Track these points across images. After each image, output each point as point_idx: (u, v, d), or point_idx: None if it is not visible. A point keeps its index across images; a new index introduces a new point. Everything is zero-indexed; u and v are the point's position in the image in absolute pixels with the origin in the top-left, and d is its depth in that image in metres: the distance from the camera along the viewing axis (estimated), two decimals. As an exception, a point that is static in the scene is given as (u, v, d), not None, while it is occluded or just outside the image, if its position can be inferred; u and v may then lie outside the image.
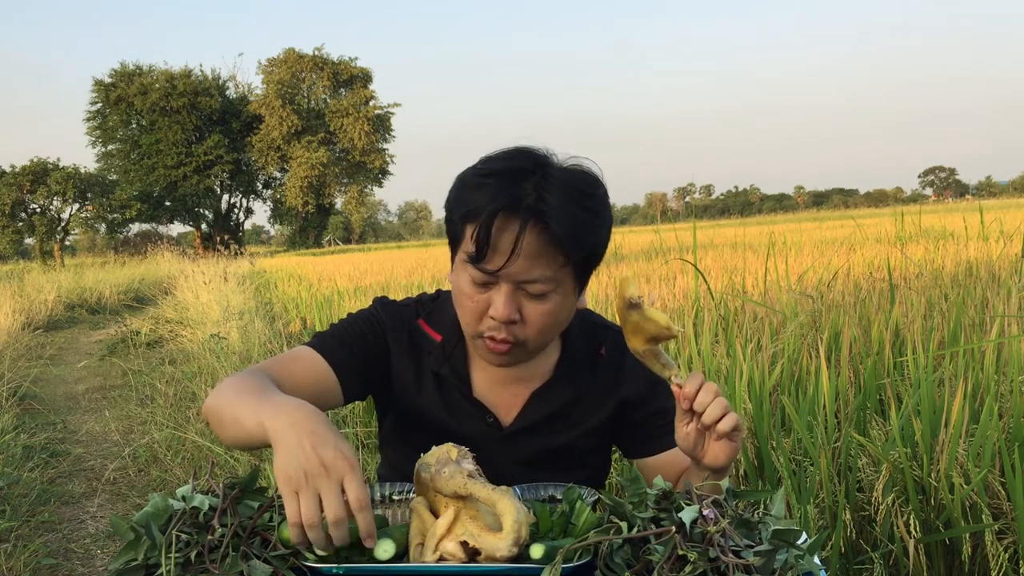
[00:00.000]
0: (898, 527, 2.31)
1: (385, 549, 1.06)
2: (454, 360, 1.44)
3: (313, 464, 1.01)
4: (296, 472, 1.01)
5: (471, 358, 1.45)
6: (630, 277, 1.21)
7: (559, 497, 1.24)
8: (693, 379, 1.20)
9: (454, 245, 1.33)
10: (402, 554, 1.09)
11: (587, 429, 1.47)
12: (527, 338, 1.31)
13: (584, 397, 1.46)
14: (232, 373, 1.35)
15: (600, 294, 5.85)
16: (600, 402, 1.47)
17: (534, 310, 1.29)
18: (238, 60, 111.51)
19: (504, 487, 1.09)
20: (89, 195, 46.89)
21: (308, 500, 1.00)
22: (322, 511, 1.00)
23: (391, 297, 1.54)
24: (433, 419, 1.45)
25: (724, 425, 1.19)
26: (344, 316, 1.50)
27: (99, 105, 53.66)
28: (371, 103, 56.98)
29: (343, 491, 1.01)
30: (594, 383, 1.47)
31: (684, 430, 1.24)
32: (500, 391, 1.45)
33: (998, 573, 2.18)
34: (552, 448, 1.45)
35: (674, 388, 1.21)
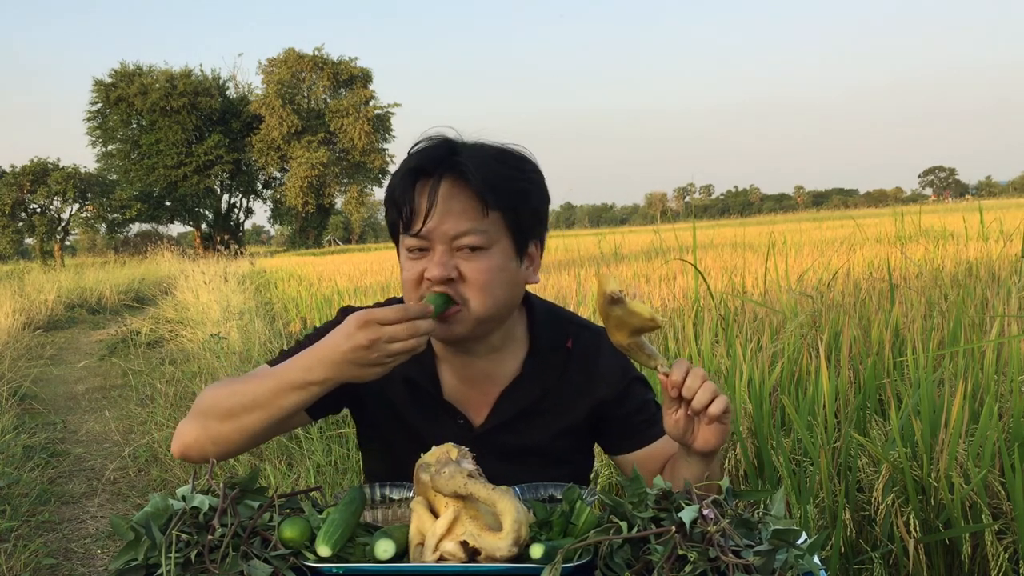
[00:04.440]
0: (898, 527, 2.31)
1: (385, 549, 1.07)
2: (424, 362, 1.42)
3: (362, 344, 1.15)
4: (368, 354, 1.16)
5: (439, 359, 1.44)
6: (608, 273, 1.21)
7: (559, 497, 1.24)
8: (679, 366, 1.20)
9: (396, 241, 1.36)
10: (402, 554, 1.09)
11: (561, 430, 1.45)
12: (470, 298, 1.29)
13: (554, 394, 1.44)
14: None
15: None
16: (573, 402, 1.45)
17: (473, 268, 1.28)
18: (238, 60, 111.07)
19: (504, 487, 1.09)
20: (89, 195, 46.88)
21: (392, 347, 1.16)
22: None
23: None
24: (404, 423, 1.44)
25: (715, 408, 1.19)
26: (310, 330, 1.55)
27: (99, 105, 53.52)
28: (371, 103, 56.87)
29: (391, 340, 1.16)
30: (564, 380, 1.44)
31: (673, 417, 1.24)
32: (469, 391, 1.44)
33: (998, 573, 2.18)
34: (527, 447, 1.43)
35: (661, 377, 1.21)
